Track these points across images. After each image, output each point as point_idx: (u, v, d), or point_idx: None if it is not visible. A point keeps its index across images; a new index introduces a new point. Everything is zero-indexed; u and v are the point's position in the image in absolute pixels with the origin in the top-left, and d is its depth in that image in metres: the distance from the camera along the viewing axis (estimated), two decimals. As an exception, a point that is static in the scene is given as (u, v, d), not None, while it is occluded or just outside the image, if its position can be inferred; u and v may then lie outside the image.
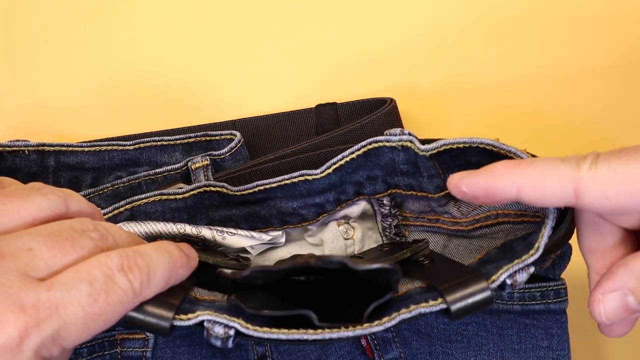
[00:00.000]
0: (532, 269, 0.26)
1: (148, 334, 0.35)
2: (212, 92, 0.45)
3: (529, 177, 0.25)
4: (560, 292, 0.35)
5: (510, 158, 0.28)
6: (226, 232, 0.34)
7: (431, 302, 0.26)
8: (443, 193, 0.32)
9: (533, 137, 0.44)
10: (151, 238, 0.33)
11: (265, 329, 0.25)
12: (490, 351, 0.35)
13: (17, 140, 0.38)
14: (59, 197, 0.26)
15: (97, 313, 0.23)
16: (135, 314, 0.25)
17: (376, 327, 0.25)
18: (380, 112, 0.40)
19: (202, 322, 0.26)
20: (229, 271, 0.32)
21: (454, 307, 0.26)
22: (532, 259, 0.26)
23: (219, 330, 0.25)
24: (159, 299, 0.26)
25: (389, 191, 0.34)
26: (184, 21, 0.46)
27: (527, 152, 0.28)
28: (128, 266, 0.24)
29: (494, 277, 0.26)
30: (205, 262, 0.31)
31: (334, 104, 0.43)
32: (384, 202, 0.35)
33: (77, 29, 0.46)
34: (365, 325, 0.25)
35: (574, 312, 0.36)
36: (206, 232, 0.34)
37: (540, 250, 0.26)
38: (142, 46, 0.46)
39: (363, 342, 0.36)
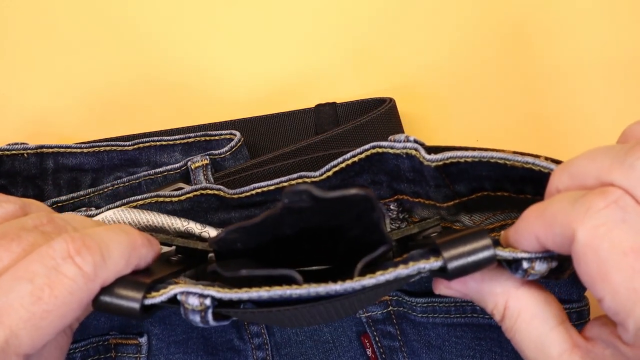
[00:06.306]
0: (554, 264, 0.24)
1: (141, 339, 0.35)
2: (212, 92, 0.45)
3: (542, 226, 0.22)
4: (583, 313, 0.32)
5: (529, 170, 0.25)
6: None
7: (432, 259, 0.23)
8: (452, 203, 0.30)
9: (533, 136, 0.44)
10: (150, 230, 0.32)
11: (245, 288, 0.22)
12: None
13: (16, 144, 0.38)
14: (14, 204, 0.24)
15: (45, 310, 0.21)
16: (103, 297, 0.23)
17: (368, 279, 0.22)
18: (379, 112, 0.40)
19: (176, 298, 0.23)
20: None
21: (450, 265, 0.23)
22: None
23: (193, 301, 0.23)
24: (127, 280, 0.23)
25: (396, 197, 0.32)
26: (183, 21, 0.46)
27: (548, 159, 0.25)
28: (75, 250, 0.22)
29: (510, 250, 0.23)
30: (194, 248, 0.29)
31: (334, 103, 0.43)
32: (391, 207, 0.33)
33: (76, 29, 0.46)
34: (356, 278, 0.22)
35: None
36: (211, 230, 0.33)
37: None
38: (142, 46, 0.46)
39: (369, 351, 0.35)
